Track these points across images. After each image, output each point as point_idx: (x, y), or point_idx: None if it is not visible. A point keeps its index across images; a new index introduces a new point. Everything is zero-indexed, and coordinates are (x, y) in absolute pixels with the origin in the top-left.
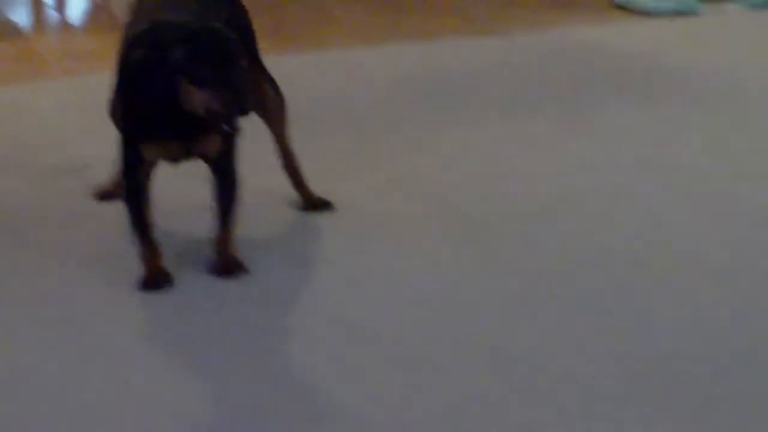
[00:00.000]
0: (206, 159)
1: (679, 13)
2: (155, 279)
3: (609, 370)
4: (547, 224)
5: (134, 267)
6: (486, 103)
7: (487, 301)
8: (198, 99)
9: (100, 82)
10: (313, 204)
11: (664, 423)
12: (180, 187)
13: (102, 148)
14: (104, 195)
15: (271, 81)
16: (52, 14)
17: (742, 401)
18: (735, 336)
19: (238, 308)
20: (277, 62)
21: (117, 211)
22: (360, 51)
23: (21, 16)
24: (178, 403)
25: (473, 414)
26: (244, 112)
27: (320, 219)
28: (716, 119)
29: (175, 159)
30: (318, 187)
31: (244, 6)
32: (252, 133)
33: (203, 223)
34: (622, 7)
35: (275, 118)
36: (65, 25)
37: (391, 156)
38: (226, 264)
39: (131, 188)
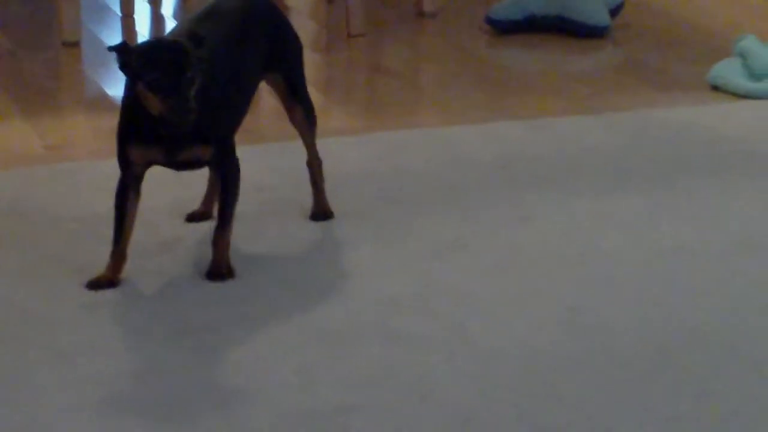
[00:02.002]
0: (200, 165)
1: None
2: (101, 284)
3: None
4: (641, 307)
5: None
6: (582, 182)
7: (578, 379)
8: (151, 103)
9: None
10: (324, 213)
11: None
12: None
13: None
14: (193, 217)
15: (306, 102)
16: None
17: None
18: None
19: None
20: (371, 139)
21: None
22: (456, 129)
23: (118, 90)
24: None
25: None
26: (190, 115)
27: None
28: None
29: (163, 163)
30: (410, 266)
31: (294, 33)
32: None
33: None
34: (718, 89)
35: (304, 132)
36: None
37: (486, 235)
38: (216, 267)
39: (120, 188)
